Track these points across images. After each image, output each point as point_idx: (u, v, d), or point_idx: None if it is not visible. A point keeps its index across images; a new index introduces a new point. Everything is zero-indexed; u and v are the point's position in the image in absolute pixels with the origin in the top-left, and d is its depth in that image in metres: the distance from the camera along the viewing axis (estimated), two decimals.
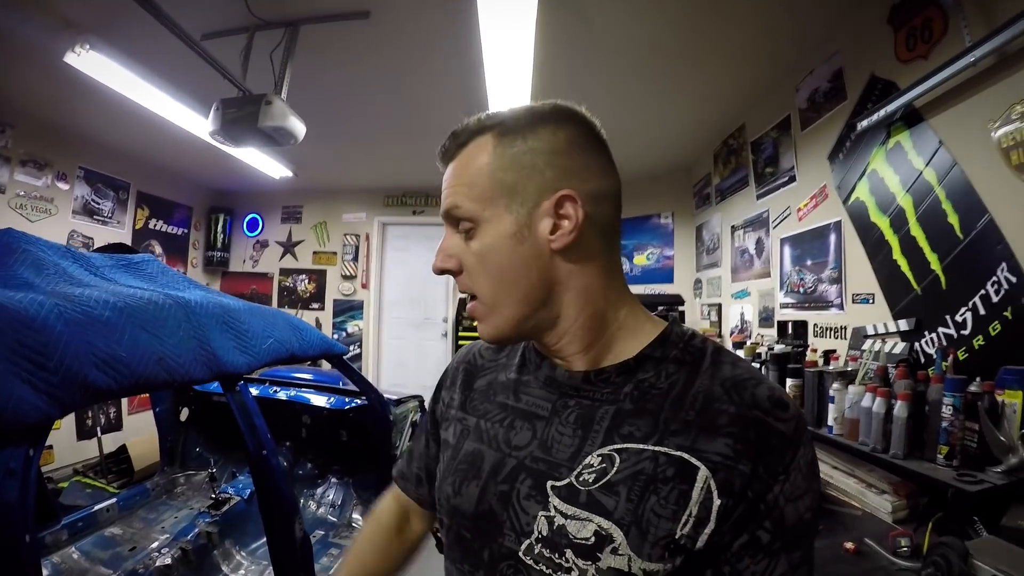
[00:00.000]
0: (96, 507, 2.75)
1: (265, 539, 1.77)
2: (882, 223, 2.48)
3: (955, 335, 2.07)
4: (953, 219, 2.09)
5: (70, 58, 2.98)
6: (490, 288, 0.70)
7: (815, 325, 3.00)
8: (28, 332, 1.13)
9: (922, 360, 2.17)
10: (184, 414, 3.49)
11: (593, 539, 0.62)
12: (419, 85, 3.65)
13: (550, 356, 0.77)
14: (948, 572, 1.32)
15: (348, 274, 6.70)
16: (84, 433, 4.70)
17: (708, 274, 4.82)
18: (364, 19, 2.87)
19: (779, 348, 2.88)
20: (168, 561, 2.31)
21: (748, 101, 3.79)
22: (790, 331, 3.19)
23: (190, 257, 6.67)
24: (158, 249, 6.07)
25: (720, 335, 4.30)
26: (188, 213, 6.55)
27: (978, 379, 1.75)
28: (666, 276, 5.57)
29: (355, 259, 6.70)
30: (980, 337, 1.97)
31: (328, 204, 6.79)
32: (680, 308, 4.55)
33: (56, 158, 4.75)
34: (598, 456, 0.66)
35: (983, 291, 1.94)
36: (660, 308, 3.20)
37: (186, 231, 6.54)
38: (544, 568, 0.65)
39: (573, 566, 0.63)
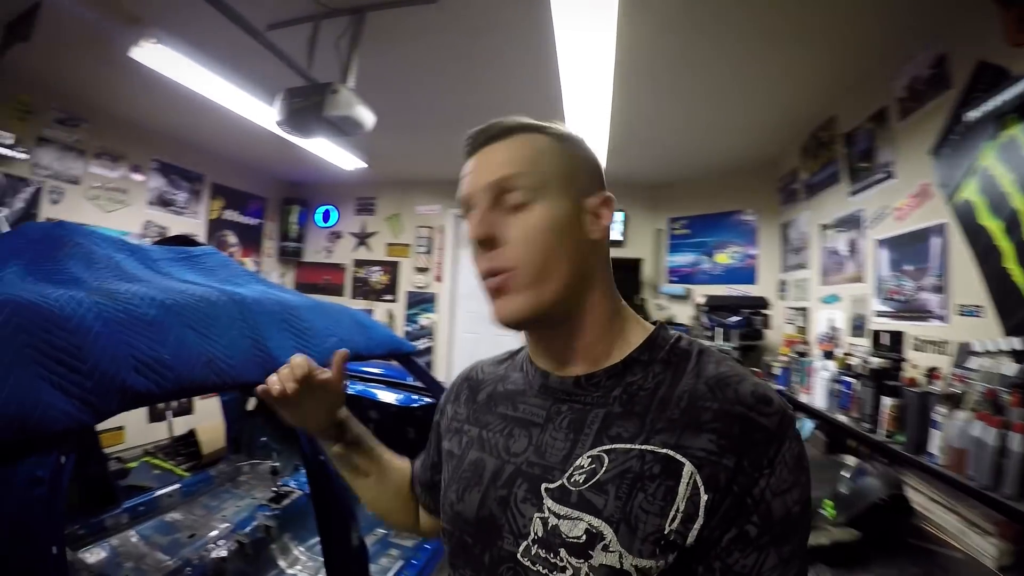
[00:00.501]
0: (158, 492, 2.82)
1: None
2: (994, 226, 2.21)
3: None
4: None
5: (135, 53, 3.04)
6: (536, 262, 0.72)
7: (914, 337, 2.73)
8: (61, 333, 1.09)
9: None
10: (251, 404, 3.54)
11: (584, 537, 0.64)
12: (490, 73, 3.57)
13: (548, 360, 0.82)
14: None
15: (421, 267, 6.73)
16: (155, 415, 4.92)
17: (794, 275, 4.53)
18: (431, 3, 2.80)
19: (876, 362, 2.65)
20: (224, 553, 2.33)
21: (839, 91, 3.50)
22: (885, 342, 2.93)
23: (264, 247, 6.87)
24: (232, 239, 6.29)
25: (807, 342, 4.02)
26: (263, 204, 6.75)
27: None
28: (748, 276, 5.28)
29: (428, 252, 6.71)
30: None
31: (402, 196, 6.83)
32: (765, 311, 4.28)
33: (130, 150, 4.98)
34: (588, 457, 0.69)
35: None
36: (744, 311, 3.01)
37: (261, 221, 6.75)
38: (540, 568, 0.67)
39: (567, 565, 0.65)
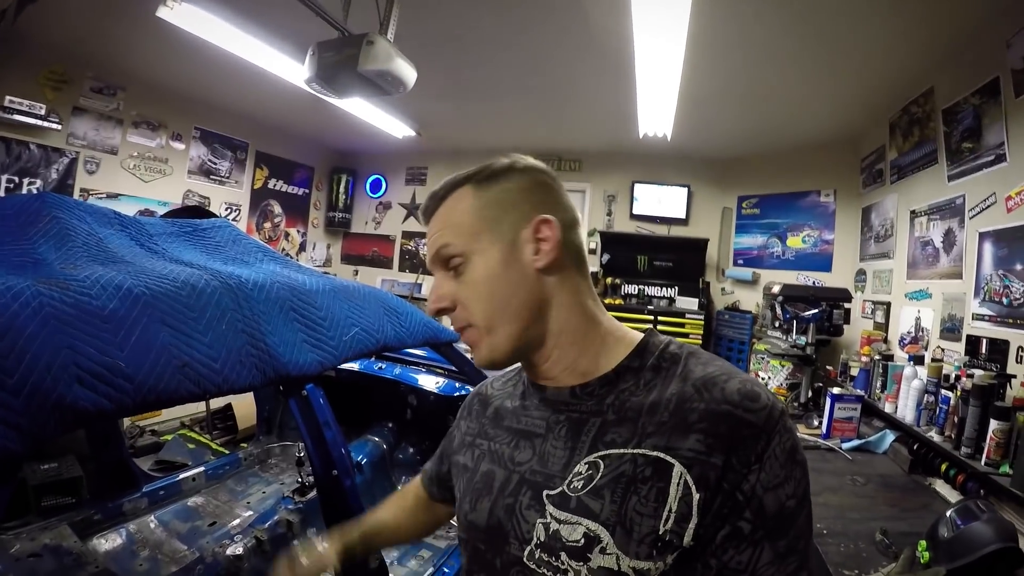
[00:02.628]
0: (180, 476, 2.71)
1: None
2: None
3: None
4: None
5: (163, 12, 2.95)
6: (485, 312, 0.77)
7: (1020, 348, 2.37)
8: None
9: None
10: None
11: (583, 541, 0.66)
12: (550, 35, 3.31)
13: (541, 378, 0.83)
14: None
15: None
16: None
17: (875, 265, 4.12)
18: None
19: (980, 375, 2.29)
20: (240, 551, 2.18)
21: (940, 58, 3.08)
22: (983, 350, 2.56)
23: (311, 217, 6.81)
24: (277, 209, 6.23)
25: (887, 341, 3.65)
26: (309, 173, 6.68)
27: None
28: (823, 263, 4.88)
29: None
30: None
31: (454, 166, 6.33)
32: (846, 304, 3.90)
33: (170, 118, 4.94)
34: (585, 464, 0.71)
35: None
36: (823, 304, 2.65)
37: (307, 191, 6.68)
38: (545, 571, 0.69)
39: (568, 567, 0.67)
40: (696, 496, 0.63)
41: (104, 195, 4.54)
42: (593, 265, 5.88)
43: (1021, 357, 2.36)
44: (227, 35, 3.24)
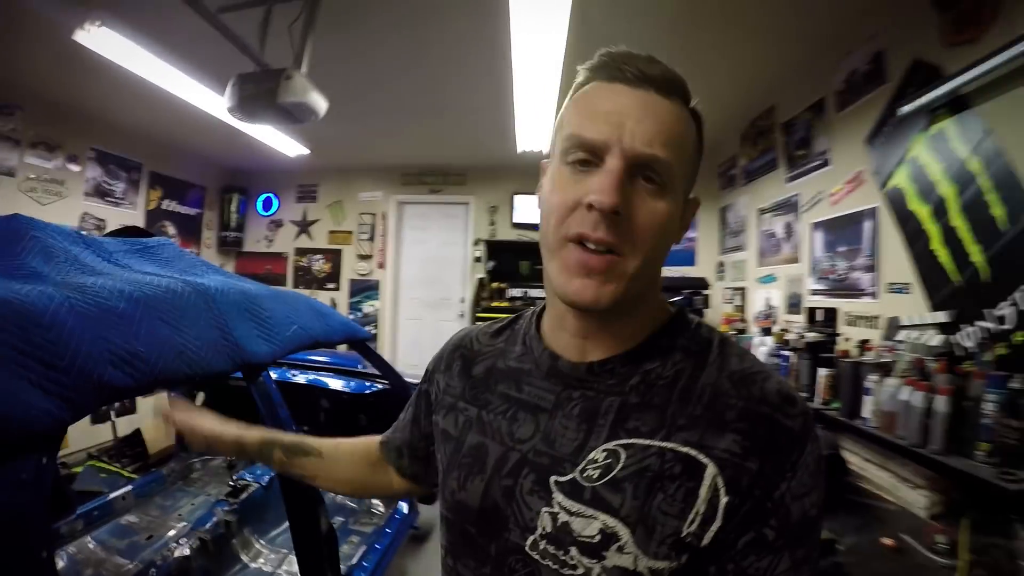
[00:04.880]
0: (112, 495, 2.73)
1: (286, 526, 1.71)
2: (921, 211, 2.42)
3: (994, 328, 2.02)
4: (998, 210, 2.03)
5: (80, 36, 2.91)
6: (648, 252, 0.65)
7: (846, 313, 2.96)
8: (37, 330, 1.05)
9: (962, 353, 2.12)
10: (199, 399, 3.47)
11: (599, 537, 0.62)
12: (438, 61, 3.59)
13: (571, 341, 0.74)
14: (995, 570, 1.31)
15: (364, 254, 6.69)
16: (98, 417, 4.70)
17: (732, 257, 4.77)
18: None
19: (811, 336, 2.85)
20: (187, 551, 2.31)
21: (779, 81, 3.70)
22: (819, 318, 3.15)
23: (204, 237, 6.66)
24: (172, 230, 6.08)
25: (744, 320, 4.26)
26: (202, 193, 6.55)
27: (1018, 375, 1.73)
28: (688, 258, 5.53)
29: (371, 238, 6.69)
30: (1020, 333, 1.93)
31: (344, 183, 6.75)
32: (705, 291, 4.50)
33: (67, 139, 4.75)
34: (603, 451, 0.65)
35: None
36: (684, 292, 3.18)
37: (200, 211, 6.54)
38: (550, 564, 0.64)
39: (578, 564, 0.62)
40: (724, 500, 0.60)
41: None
42: (479, 272, 6.26)
43: (847, 320, 2.95)
44: (141, 60, 3.23)
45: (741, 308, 4.42)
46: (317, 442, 1.05)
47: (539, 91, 3.55)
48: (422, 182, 6.57)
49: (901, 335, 2.38)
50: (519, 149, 4.91)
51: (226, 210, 6.84)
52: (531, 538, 0.66)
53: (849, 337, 2.78)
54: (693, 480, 0.60)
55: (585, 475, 0.65)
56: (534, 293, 5.90)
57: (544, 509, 0.66)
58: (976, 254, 2.13)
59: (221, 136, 5.04)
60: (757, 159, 4.23)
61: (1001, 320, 2.00)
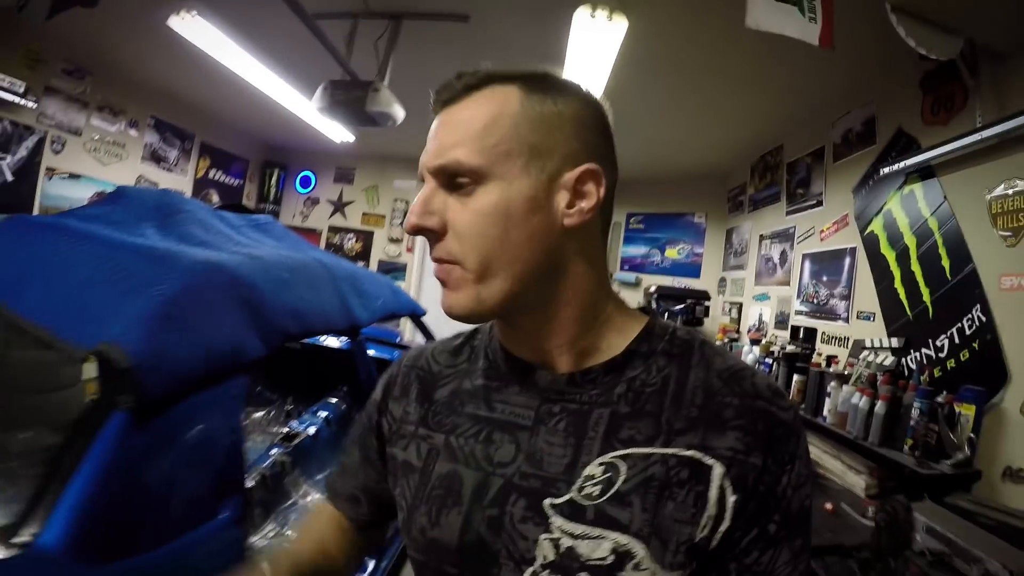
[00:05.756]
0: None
1: (330, 470, 2.00)
2: (890, 255, 2.96)
3: (934, 356, 2.57)
4: (945, 262, 2.57)
5: (174, 22, 3.21)
6: (484, 254, 0.62)
7: (823, 333, 3.51)
8: (248, 289, 1.41)
9: (906, 372, 2.66)
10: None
11: (612, 558, 0.58)
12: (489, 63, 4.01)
13: (524, 348, 0.71)
14: (894, 516, 1.84)
15: (395, 237, 7.14)
16: None
17: (733, 275, 5.32)
18: (464, 21, 3.24)
19: (790, 348, 3.40)
20: (251, 484, 2.55)
21: (788, 127, 4.22)
22: (801, 335, 3.69)
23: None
24: (215, 197, 6.49)
25: (739, 331, 4.80)
26: (244, 165, 6.95)
27: (944, 392, 2.26)
28: (694, 271, 6.06)
29: (402, 223, 7.08)
30: (952, 360, 2.47)
31: (380, 169, 7.18)
32: (706, 302, 5.06)
33: (129, 105, 5.16)
34: (599, 465, 0.62)
35: (959, 324, 2.44)
36: (688, 301, 3.75)
37: (241, 182, 6.94)
38: None
39: None
40: (732, 499, 0.58)
41: (67, 175, 4.71)
42: None
43: (824, 339, 3.50)
44: (228, 51, 3.60)
45: (737, 320, 4.96)
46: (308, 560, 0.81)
47: None
48: None
49: (863, 354, 2.92)
50: None
51: (266, 183, 7.27)
52: (529, 571, 0.61)
53: (822, 352, 3.32)
54: (701, 483, 0.59)
55: (584, 493, 0.61)
56: None
57: (543, 537, 0.61)
58: (926, 295, 2.67)
59: (268, 114, 5.37)
60: (763, 190, 4.75)
61: (940, 349, 2.54)
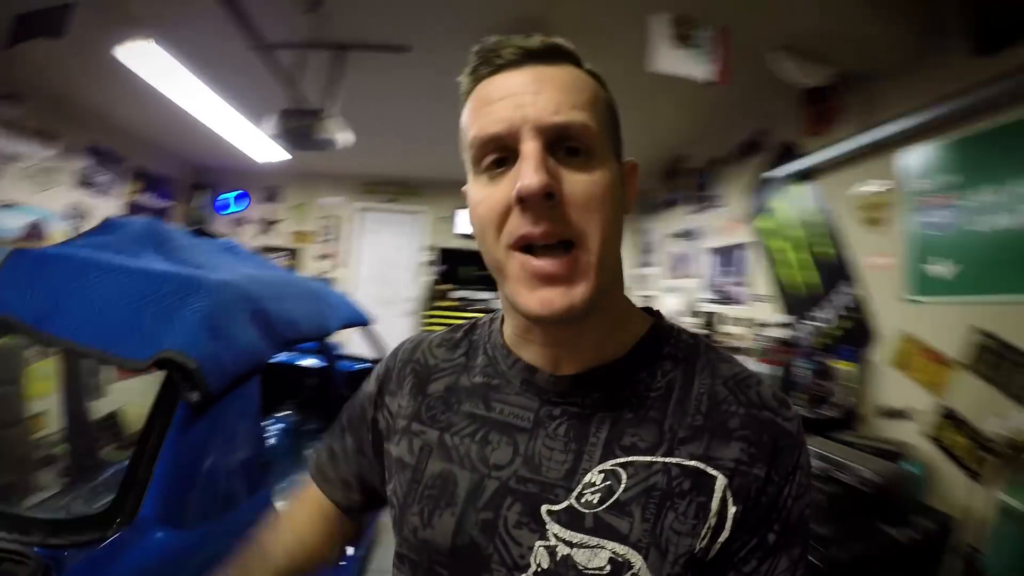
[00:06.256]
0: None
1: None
2: (779, 246, 3.50)
3: (820, 327, 3.09)
4: (826, 248, 3.10)
5: (121, 48, 3.16)
6: (604, 231, 0.57)
7: (727, 316, 4.03)
8: (253, 302, 1.59)
9: (792, 341, 3.17)
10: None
11: (609, 568, 0.56)
12: (425, 94, 4.20)
13: (535, 352, 0.68)
14: None
15: (324, 253, 7.22)
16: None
17: (645, 271, 5.89)
18: (406, 52, 3.44)
19: (700, 332, 3.90)
20: None
21: (693, 137, 4.72)
22: (709, 321, 4.21)
23: None
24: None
25: None
26: (173, 187, 6.78)
27: (827, 354, 2.77)
28: None
29: (331, 240, 7.24)
30: (835, 329, 2.99)
31: (308, 187, 7.24)
32: None
33: (64, 130, 4.94)
34: (600, 473, 0.60)
35: (839, 300, 2.97)
36: None
37: (170, 204, 6.76)
38: None
39: None
40: (732, 509, 0.57)
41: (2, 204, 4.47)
42: (427, 275, 7.03)
43: (728, 321, 4.02)
44: (165, 70, 3.49)
45: None
46: (289, 549, 0.83)
47: None
48: (381, 192, 7.25)
49: (761, 330, 3.44)
50: None
51: (194, 204, 7.13)
52: None
53: (728, 332, 3.84)
54: (704, 494, 0.57)
55: (583, 501, 0.59)
56: (474, 296, 6.73)
57: (539, 544, 0.59)
58: (813, 276, 3.20)
59: (199, 136, 5.30)
60: (670, 194, 5.29)
61: (825, 321, 3.06)
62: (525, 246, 0.57)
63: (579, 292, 0.57)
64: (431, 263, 7.03)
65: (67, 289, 1.40)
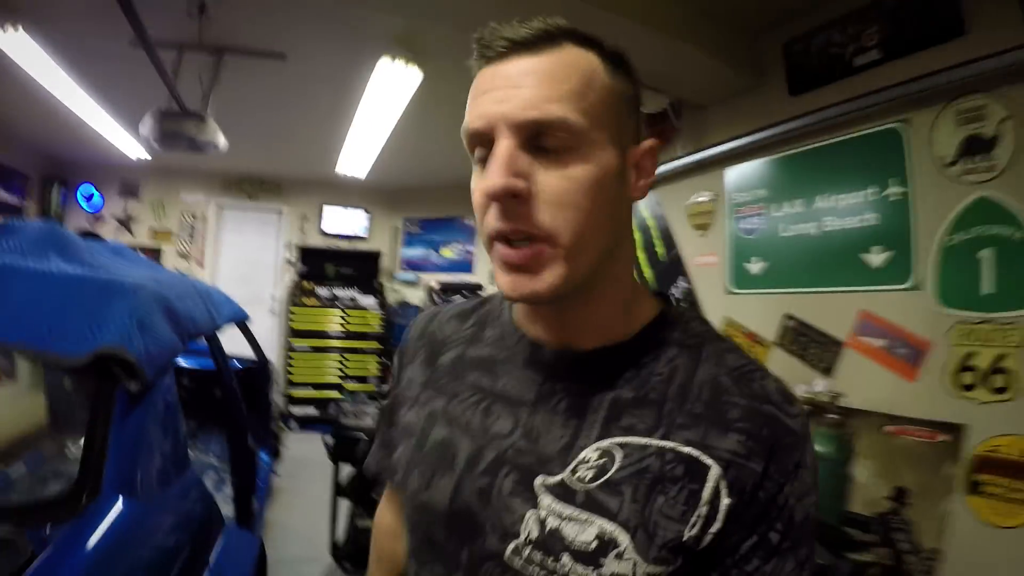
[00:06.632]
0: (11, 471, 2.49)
1: None
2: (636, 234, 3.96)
3: None
4: (660, 248, 3.60)
5: None
6: (579, 226, 0.56)
7: None
8: (164, 301, 1.70)
9: None
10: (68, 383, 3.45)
11: (595, 543, 0.56)
12: (293, 95, 4.25)
13: (544, 330, 0.68)
14: None
15: (184, 252, 6.87)
16: None
17: None
18: (282, 60, 3.51)
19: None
20: None
21: None
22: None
23: None
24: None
25: None
26: (24, 182, 6.08)
27: None
28: (467, 267, 6.92)
29: (191, 238, 6.89)
30: None
31: (167, 183, 6.80)
32: (480, 293, 5.90)
33: None
34: (596, 450, 0.59)
35: (672, 292, 3.46)
36: (463, 292, 4.58)
37: (23, 201, 6.08)
38: (537, 571, 0.57)
39: (571, 572, 0.56)
40: (726, 501, 0.55)
41: None
42: (290, 273, 6.95)
43: None
44: (34, 59, 3.35)
45: None
46: None
47: (375, 132, 4.57)
48: (241, 189, 7.00)
49: None
50: (338, 170, 5.81)
51: (47, 201, 6.42)
52: (512, 544, 0.59)
53: None
54: (696, 482, 0.56)
55: (577, 476, 0.58)
56: (338, 292, 6.75)
57: (529, 513, 0.59)
58: (648, 274, 3.68)
59: (54, 124, 4.91)
60: None
61: None
62: (499, 237, 0.58)
63: (544, 281, 0.56)
64: (294, 262, 6.94)
65: None
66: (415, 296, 7.05)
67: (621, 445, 0.58)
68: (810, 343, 2.54)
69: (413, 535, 0.71)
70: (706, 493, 0.55)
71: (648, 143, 0.64)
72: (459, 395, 0.70)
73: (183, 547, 1.56)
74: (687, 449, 0.56)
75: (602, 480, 0.57)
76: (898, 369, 2.17)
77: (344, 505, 3.34)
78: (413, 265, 7.21)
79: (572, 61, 0.57)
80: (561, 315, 0.65)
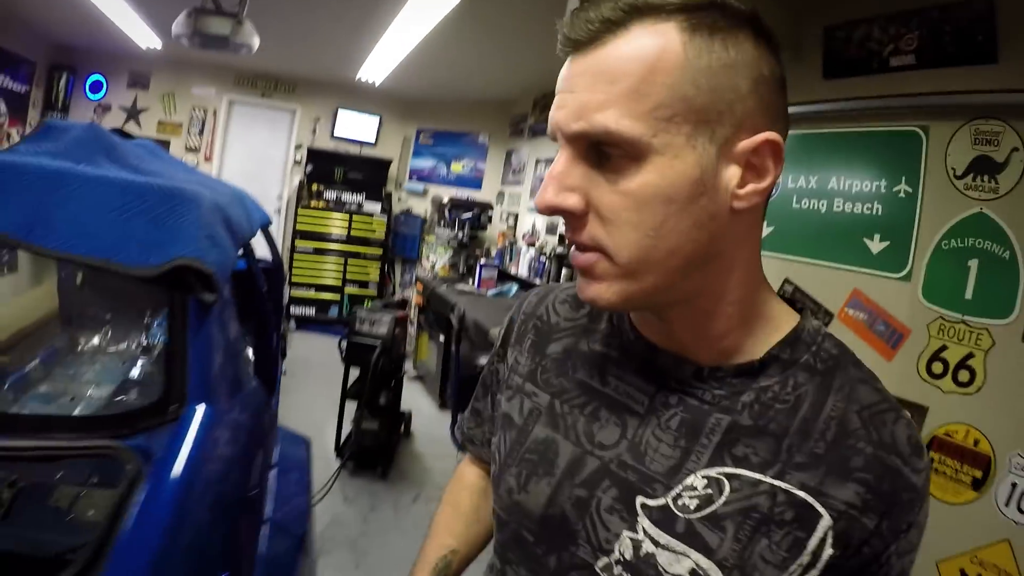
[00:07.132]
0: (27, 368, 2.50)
1: None
2: None
3: None
4: None
5: None
6: (637, 247, 0.50)
7: None
8: (223, 212, 1.73)
9: None
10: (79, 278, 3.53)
11: None
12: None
13: (657, 334, 0.62)
14: None
15: (192, 146, 6.83)
16: None
17: (511, 189, 6.34)
18: None
19: (560, 250, 4.50)
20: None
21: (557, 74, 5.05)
22: (566, 239, 4.79)
23: (29, 118, 5.98)
24: (2, 107, 5.49)
25: (515, 237, 5.83)
26: (31, 69, 5.92)
27: None
28: (476, 184, 6.99)
29: (200, 132, 6.84)
30: None
31: (177, 75, 6.65)
32: (490, 212, 6.02)
33: None
34: (704, 478, 0.55)
35: None
36: (475, 210, 4.77)
37: (28, 88, 5.93)
38: None
39: None
40: (828, 552, 0.51)
41: None
42: (298, 174, 6.92)
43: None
44: None
45: (513, 228, 6.00)
46: (448, 546, 0.84)
47: (408, 39, 4.49)
48: (255, 85, 6.89)
49: None
50: (359, 76, 5.76)
51: (54, 89, 6.27)
52: (604, 561, 0.57)
53: None
54: (804, 530, 0.51)
55: (680, 503, 0.55)
56: (345, 197, 6.76)
57: (627, 534, 0.56)
58: None
59: (63, 8, 4.76)
60: (542, 122, 5.67)
61: None
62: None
63: (602, 290, 0.52)
64: (303, 162, 6.92)
65: (47, 202, 1.39)
66: (420, 207, 7.16)
67: (731, 476, 0.54)
68: (803, 309, 2.69)
69: (502, 532, 0.69)
70: (812, 543, 0.51)
71: (762, 137, 0.50)
72: (565, 392, 0.66)
73: (256, 449, 1.68)
74: (801, 494, 0.52)
75: (706, 512, 0.54)
76: (878, 348, 2.35)
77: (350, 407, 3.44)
78: (421, 176, 7.27)
79: (633, 50, 0.47)
80: (666, 325, 0.60)
